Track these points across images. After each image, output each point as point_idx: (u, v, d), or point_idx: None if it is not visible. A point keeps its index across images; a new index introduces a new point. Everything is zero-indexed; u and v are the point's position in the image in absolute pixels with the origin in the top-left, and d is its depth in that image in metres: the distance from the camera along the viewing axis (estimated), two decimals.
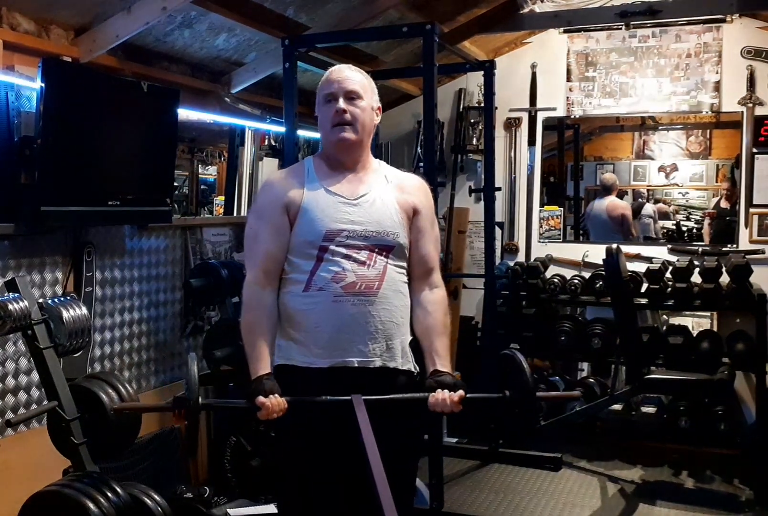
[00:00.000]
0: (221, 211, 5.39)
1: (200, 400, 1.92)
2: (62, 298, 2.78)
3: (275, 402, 1.92)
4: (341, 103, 2.05)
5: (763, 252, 4.60)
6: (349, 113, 2.06)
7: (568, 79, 5.05)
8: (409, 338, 2.12)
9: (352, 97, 2.07)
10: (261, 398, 1.91)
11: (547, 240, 5.22)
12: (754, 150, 4.63)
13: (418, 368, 2.15)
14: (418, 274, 2.14)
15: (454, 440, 4.53)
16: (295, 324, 2.05)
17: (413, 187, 2.17)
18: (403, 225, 2.10)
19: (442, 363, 2.05)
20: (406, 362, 2.11)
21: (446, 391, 1.97)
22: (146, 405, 1.97)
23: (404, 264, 2.12)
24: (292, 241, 2.05)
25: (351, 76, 2.10)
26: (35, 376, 2.86)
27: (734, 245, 4.75)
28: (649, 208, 8.27)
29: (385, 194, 2.10)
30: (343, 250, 2.02)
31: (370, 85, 2.15)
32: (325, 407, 1.98)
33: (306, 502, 2.05)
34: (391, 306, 2.05)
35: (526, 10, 4.63)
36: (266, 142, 4.82)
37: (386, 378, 2.05)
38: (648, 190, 8.83)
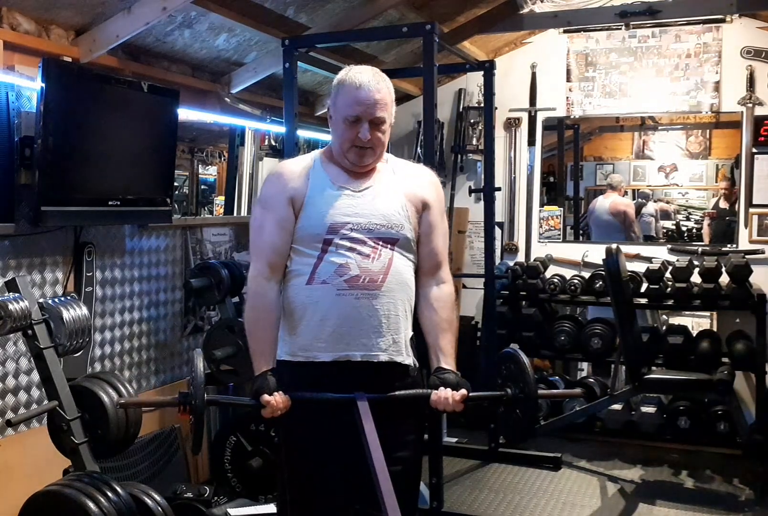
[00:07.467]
0: (221, 211, 5.40)
1: (206, 396, 1.91)
2: (62, 298, 2.78)
3: (279, 399, 1.92)
4: (365, 132, 1.97)
5: (762, 252, 4.60)
6: (371, 140, 1.99)
7: (568, 79, 5.05)
8: (411, 333, 2.11)
9: (377, 123, 1.99)
10: (266, 397, 1.91)
11: (546, 240, 5.22)
12: (754, 150, 4.63)
13: (417, 364, 2.13)
14: (425, 269, 2.11)
15: (454, 440, 4.53)
16: (297, 317, 2.03)
17: (424, 181, 2.14)
18: (409, 218, 2.07)
19: (446, 360, 2.03)
20: (408, 357, 2.09)
21: (449, 389, 1.96)
22: (152, 400, 1.98)
23: (411, 256, 2.09)
24: (296, 234, 2.03)
25: (379, 98, 1.98)
26: (35, 376, 2.86)
27: (734, 245, 4.75)
28: (650, 207, 8.29)
29: (391, 186, 2.08)
30: (348, 243, 2.00)
31: (391, 96, 2.04)
32: (328, 405, 1.97)
33: (309, 498, 2.03)
34: (396, 299, 2.02)
35: (526, 10, 4.63)
36: (266, 142, 4.82)
37: (390, 372, 2.03)
38: (649, 190, 8.83)
